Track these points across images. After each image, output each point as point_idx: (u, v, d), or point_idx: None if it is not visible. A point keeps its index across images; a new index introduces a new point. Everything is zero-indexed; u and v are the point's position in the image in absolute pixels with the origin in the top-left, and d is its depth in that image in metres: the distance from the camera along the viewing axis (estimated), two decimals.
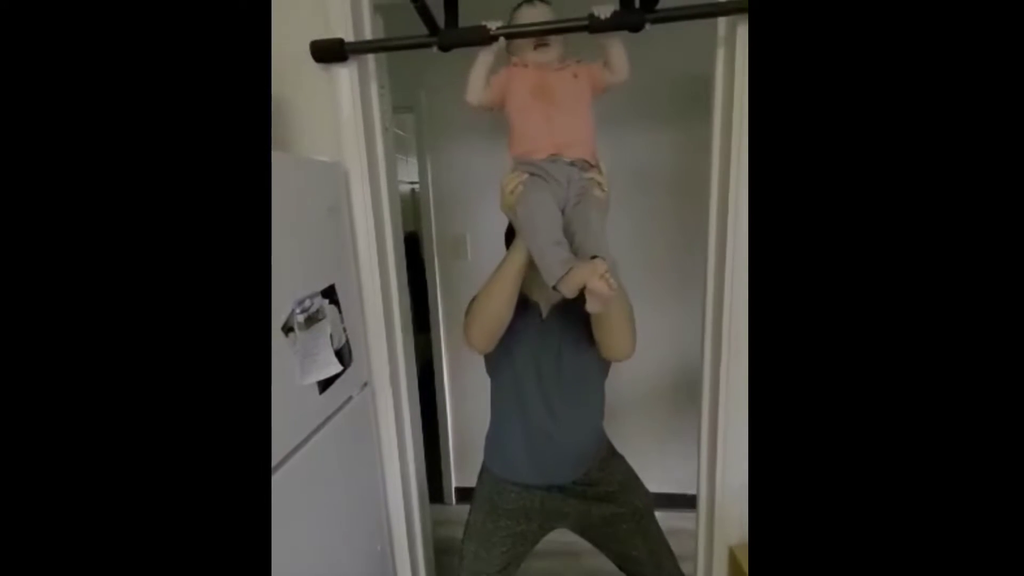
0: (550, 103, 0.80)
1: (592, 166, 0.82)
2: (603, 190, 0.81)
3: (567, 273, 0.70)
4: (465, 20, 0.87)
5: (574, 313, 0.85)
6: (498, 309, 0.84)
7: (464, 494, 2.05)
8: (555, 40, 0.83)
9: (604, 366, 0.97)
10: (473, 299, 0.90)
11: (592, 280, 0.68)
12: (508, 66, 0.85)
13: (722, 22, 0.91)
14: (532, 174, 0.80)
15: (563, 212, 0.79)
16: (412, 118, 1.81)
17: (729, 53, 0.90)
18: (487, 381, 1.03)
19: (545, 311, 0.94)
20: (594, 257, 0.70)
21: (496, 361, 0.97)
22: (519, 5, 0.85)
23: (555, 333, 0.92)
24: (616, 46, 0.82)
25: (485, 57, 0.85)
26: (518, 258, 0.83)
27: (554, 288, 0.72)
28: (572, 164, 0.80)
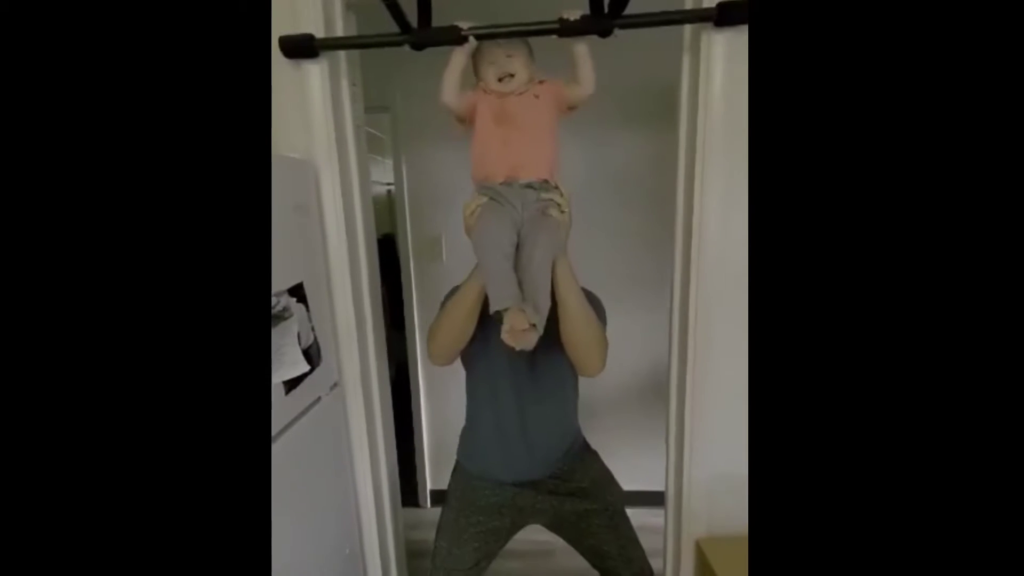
0: (510, 127, 0.82)
1: (552, 187, 0.83)
2: (562, 210, 0.82)
3: (504, 310, 0.76)
4: (439, 21, 0.88)
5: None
6: (458, 328, 0.88)
7: (440, 496, 2.02)
8: (520, 71, 0.83)
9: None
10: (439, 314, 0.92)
11: (503, 332, 0.76)
12: (476, 88, 0.85)
13: (687, 29, 0.93)
14: (491, 198, 0.82)
15: (519, 234, 0.81)
16: (388, 118, 1.80)
17: (694, 60, 0.93)
18: (463, 383, 1.03)
19: None
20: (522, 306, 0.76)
21: (471, 356, 0.97)
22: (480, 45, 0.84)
23: None
24: (583, 56, 0.83)
25: (458, 58, 0.85)
26: (478, 281, 0.84)
27: (493, 315, 0.78)
28: (529, 186, 0.81)
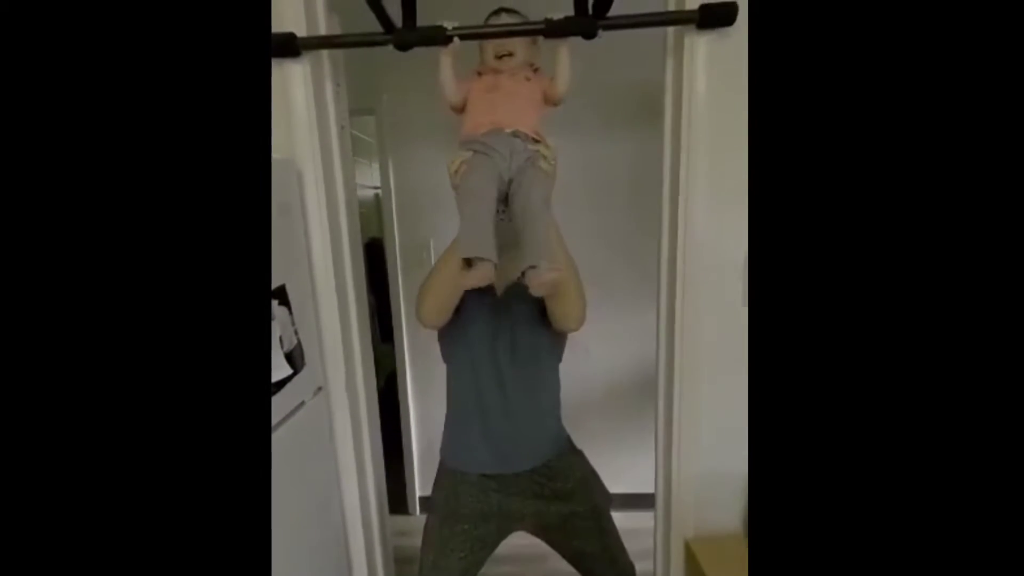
0: (498, 94, 0.84)
1: (536, 140, 0.84)
2: (548, 163, 0.83)
3: (472, 268, 0.75)
4: (425, 21, 0.87)
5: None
6: (449, 286, 0.85)
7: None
8: (519, 52, 0.85)
9: (558, 347, 0.99)
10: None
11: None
12: (472, 75, 0.87)
13: (671, 31, 0.94)
14: (475, 151, 0.82)
15: (509, 182, 0.81)
16: (373, 121, 1.79)
17: (678, 62, 0.94)
18: None
19: (500, 289, 0.95)
20: (533, 267, 0.74)
21: (450, 339, 0.96)
22: (489, 16, 0.88)
23: (509, 311, 0.93)
24: (564, 58, 0.85)
25: (446, 60, 0.86)
26: None
27: (465, 261, 0.76)
28: (515, 135, 0.82)
